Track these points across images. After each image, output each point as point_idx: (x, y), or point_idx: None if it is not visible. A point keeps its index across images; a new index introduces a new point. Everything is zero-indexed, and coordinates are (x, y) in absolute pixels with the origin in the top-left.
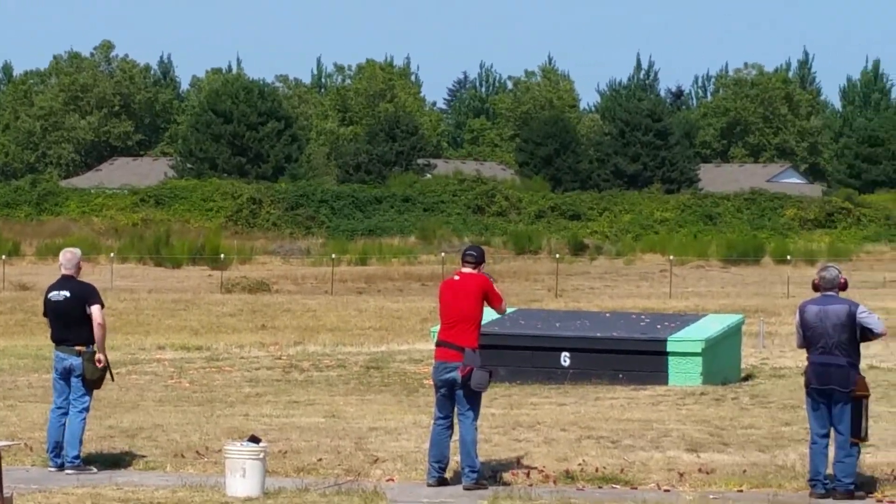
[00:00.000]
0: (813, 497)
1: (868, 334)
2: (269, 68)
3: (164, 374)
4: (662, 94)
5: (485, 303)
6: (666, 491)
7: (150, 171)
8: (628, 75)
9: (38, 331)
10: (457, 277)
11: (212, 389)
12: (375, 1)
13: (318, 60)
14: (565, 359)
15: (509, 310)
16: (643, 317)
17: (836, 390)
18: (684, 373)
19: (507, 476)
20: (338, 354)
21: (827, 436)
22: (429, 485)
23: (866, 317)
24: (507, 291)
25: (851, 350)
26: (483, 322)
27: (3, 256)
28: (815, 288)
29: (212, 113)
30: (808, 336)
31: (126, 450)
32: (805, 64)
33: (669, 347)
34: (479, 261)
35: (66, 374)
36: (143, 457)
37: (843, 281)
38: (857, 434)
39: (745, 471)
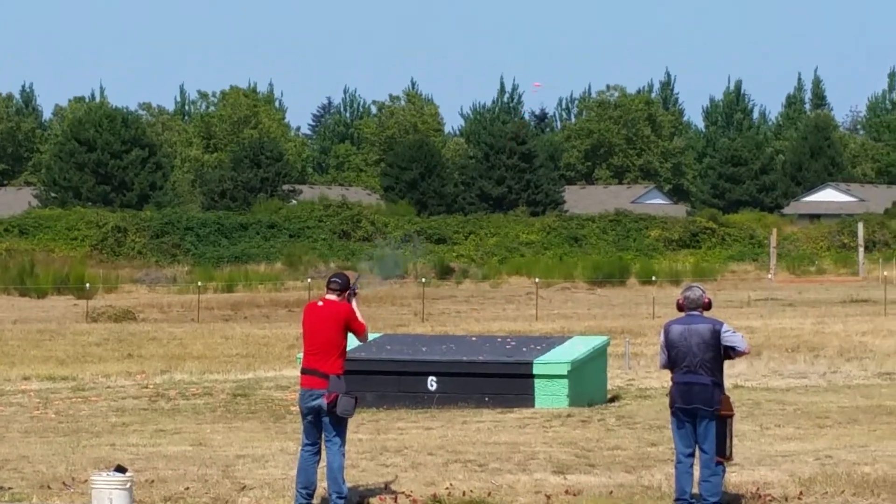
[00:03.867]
0: None
1: (731, 353)
2: (132, 96)
3: (29, 405)
4: (526, 116)
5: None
6: None
7: (13, 200)
8: (492, 98)
9: None
10: (320, 303)
11: (78, 419)
12: (238, 27)
13: (182, 87)
14: (432, 383)
15: (375, 335)
16: (509, 340)
17: (700, 409)
18: (550, 395)
19: (374, 501)
20: (204, 382)
21: (692, 455)
22: None
23: (730, 335)
24: (373, 316)
25: (715, 369)
26: (349, 347)
27: None
28: (680, 308)
29: (75, 141)
30: (673, 355)
31: None
32: (667, 85)
33: (535, 370)
34: (343, 288)
35: None
36: (10, 489)
37: (707, 301)
38: (722, 453)
39: (611, 492)
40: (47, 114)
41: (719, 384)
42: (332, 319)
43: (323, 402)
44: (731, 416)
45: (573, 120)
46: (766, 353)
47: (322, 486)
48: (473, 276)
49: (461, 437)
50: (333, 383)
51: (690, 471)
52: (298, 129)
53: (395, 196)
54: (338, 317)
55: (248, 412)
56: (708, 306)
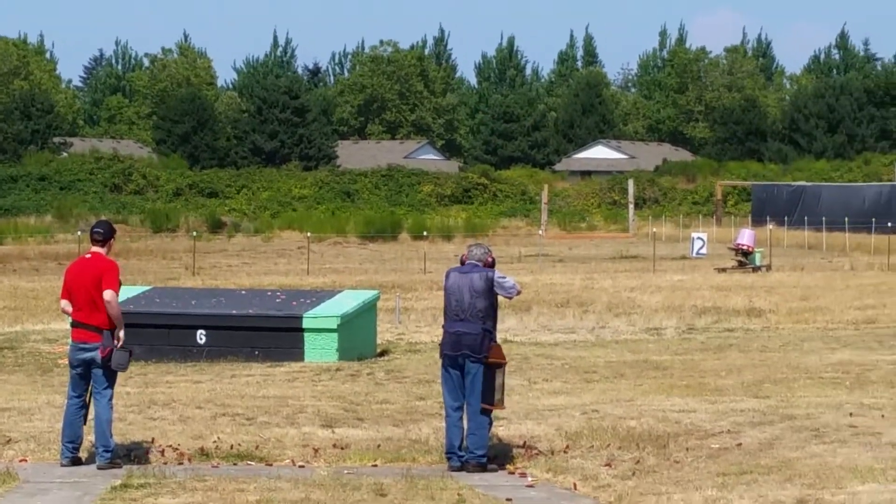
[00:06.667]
0: (450, 470)
1: (499, 290)
2: None
3: None
4: (300, 71)
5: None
6: (301, 467)
7: None
8: (265, 52)
9: None
10: (88, 256)
11: None
12: None
13: None
14: (201, 336)
15: (144, 288)
16: (279, 293)
17: (468, 356)
18: (320, 349)
19: (141, 455)
20: None
21: (461, 408)
22: (62, 465)
23: (502, 280)
24: (143, 269)
25: (487, 318)
26: (120, 300)
27: None
28: (462, 263)
29: None
30: (447, 303)
31: None
32: (441, 41)
33: (305, 324)
34: (106, 237)
35: None
36: None
37: (490, 260)
38: (489, 400)
39: (379, 445)
40: None
41: (490, 332)
42: (96, 272)
43: (97, 354)
44: (501, 365)
45: (346, 75)
46: (535, 309)
47: (89, 440)
48: (245, 231)
49: (230, 391)
50: (107, 338)
51: (460, 424)
52: (70, 81)
53: (167, 149)
54: (98, 272)
55: (14, 365)
56: (490, 266)
